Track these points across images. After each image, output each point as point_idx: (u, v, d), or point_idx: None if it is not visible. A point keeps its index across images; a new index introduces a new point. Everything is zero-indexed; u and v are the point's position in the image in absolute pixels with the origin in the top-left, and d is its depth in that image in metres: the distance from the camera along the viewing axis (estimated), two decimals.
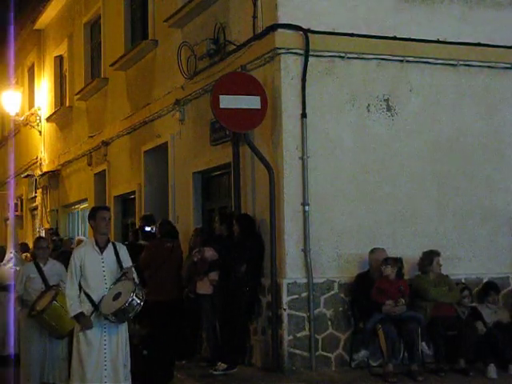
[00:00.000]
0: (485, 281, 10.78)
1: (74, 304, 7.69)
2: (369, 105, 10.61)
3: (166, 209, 13.84)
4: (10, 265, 12.28)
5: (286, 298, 9.97)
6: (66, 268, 8.27)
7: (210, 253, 10.60)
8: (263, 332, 10.36)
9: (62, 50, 20.73)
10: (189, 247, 11.58)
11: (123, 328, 7.83)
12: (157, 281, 11.15)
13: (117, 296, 7.60)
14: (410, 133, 10.78)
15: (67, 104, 20.09)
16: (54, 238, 16.56)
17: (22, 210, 24.25)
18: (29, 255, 15.49)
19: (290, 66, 10.23)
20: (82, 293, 7.72)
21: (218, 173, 12.36)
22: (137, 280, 7.85)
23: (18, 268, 11.57)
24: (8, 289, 11.48)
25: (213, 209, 12.73)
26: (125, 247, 8.17)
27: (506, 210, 11.13)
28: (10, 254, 12.62)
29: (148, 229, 12.51)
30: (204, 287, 10.75)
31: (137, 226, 13.76)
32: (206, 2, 12.06)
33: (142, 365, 9.13)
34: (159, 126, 14.16)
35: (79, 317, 7.69)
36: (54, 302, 8.97)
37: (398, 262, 10.00)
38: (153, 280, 11.17)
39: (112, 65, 15.99)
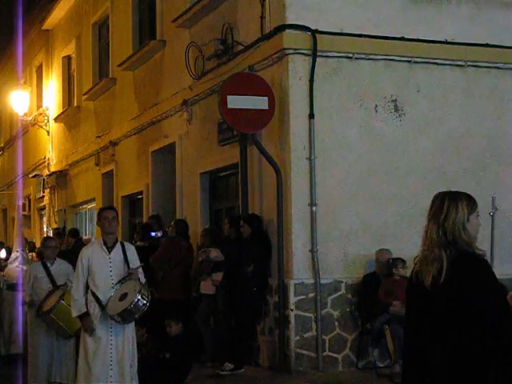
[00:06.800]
0: None
1: (79, 303, 7.71)
2: (376, 105, 10.60)
3: (173, 209, 13.86)
4: (16, 264, 12.31)
5: (293, 299, 9.97)
6: (74, 267, 8.30)
7: (215, 254, 10.62)
8: (270, 332, 10.36)
9: (70, 50, 20.76)
10: (197, 247, 11.61)
11: (130, 328, 7.84)
12: (173, 279, 11.20)
13: (123, 296, 7.61)
14: (418, 133, 10.78)
15: (75, 104, 20.12)
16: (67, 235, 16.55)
17: (29, 210, 24.31)
18: (35, 254, 15.52)
19: (298, 66, 10.24)
20: (89, 292, 7.74)
21: (226, 173, 12.36)
22: (143, 280, 7.85)
23: (24, 267, 11.60)
24: (15, 288, 11.51)
25: (220, 209, 12.74)
26: (133, 247, 8.19)
27: None
28: (16, 252, 12.64)
29: (153, 234, 12.52)
30: (207, 287, 10.77)
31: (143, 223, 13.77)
32: (214, 2, 12.07)
33: (158, 367, 9.18)
34: (167, 127, 14.17)
35: (83, 317, 7.71)
36: (61, 301, 8.98)
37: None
38: (168, 278, 11.22)
39: (120, 65, 16.00)
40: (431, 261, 3.95)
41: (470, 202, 4.08)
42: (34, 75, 24.64)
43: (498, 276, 4.09)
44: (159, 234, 12.40)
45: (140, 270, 7.89)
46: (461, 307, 3.83)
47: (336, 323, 10.17)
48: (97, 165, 18.05)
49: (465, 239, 3.93)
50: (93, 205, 18.74)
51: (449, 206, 4.00)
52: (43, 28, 22.34)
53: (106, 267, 7.77)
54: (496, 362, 3.77)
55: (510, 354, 3.79)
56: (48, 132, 22.41)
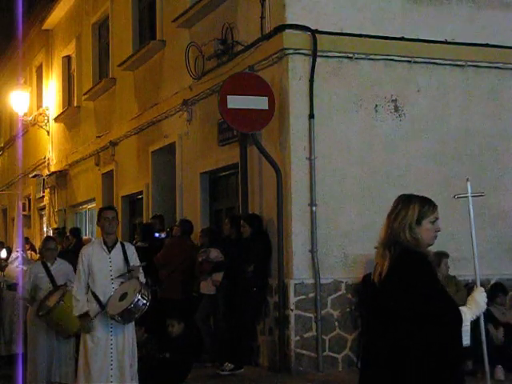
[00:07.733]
0: (493, 282, 10.75)
1: (80, 303, 7.71)
2: (376, 105, 10.61)
3: (173, 209, 13.86)
4: (16, 264, 12.30)
5: (293, 299, 9.97)
6: (74, 267, 8.30)
7: (215, 254, 10.63)
8: (270, 332, 10.36)
9: (70, 50, 20.77)
10: (196, 247, 11.61)
11: (130, 328, 7.83)
12: (177, 279, 11.21)
13: (123, 296, 7.60)
14: (418, 133, 10.77)
15: (75, 104, 20.13)
16: (68, 235, 16.53)
17: (29, 210, 24.31)
18: (34, 253, 15.51)
19: (298, 66, 10.23)
20: (89, 292, 7.74)
21: (226, 173, 12.36)
22: (143, 280, 7.85)
23: (24, 267, 11.59)
24: (15, 288, 11.50)
25: (220, 209, 12.74)
26: (133, 247, 8.19)
27: None
28: (16, 252, 12.64)
29: (157, 235, 12.54)
30: (207, 287, 10.78)
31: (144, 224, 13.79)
32: (214, 2, 12.07)
33: (158, 367, 9.18)
34: (167, 127, 14.17)
35: (82, 317, 7.71)
36: (61, 301, 8.96)
37: None
38: (172, 278, 11.22)
39: (120, 65, 16.01)
40: (379, 258, 4.10)
41: (425, 206, 4.20)
42: (34, 75, 24.64)
43: (497, 276, 4.12)
44: (163, 235, 12.42)
45: (140, 269, 7.89)
46: (400, 301, 3.95)
47: (336, 323, 10.16)
48: (97, 165, 18.05)
49: (409, 240, 4.06)
50: (93, 205, 18.75)
51: (400, 209, 4.19)
52: (43, 28, 22.35)
53: (106, 267, 7.77)
54: (436, 354, 3.88)
55: (449, 346, 3.89)
56: (48, 132, 22.41)
